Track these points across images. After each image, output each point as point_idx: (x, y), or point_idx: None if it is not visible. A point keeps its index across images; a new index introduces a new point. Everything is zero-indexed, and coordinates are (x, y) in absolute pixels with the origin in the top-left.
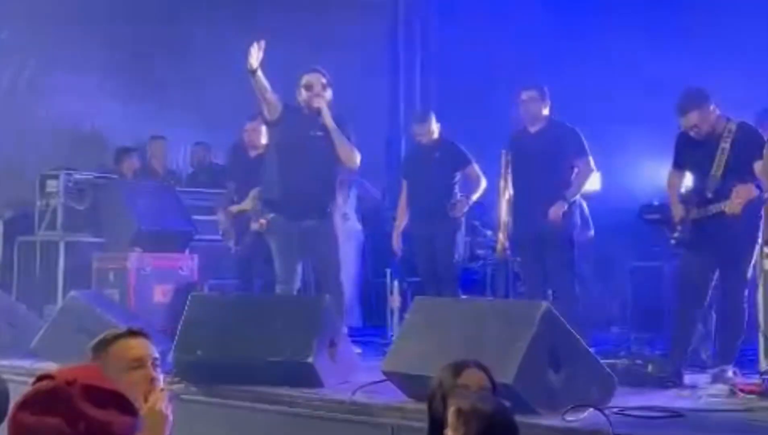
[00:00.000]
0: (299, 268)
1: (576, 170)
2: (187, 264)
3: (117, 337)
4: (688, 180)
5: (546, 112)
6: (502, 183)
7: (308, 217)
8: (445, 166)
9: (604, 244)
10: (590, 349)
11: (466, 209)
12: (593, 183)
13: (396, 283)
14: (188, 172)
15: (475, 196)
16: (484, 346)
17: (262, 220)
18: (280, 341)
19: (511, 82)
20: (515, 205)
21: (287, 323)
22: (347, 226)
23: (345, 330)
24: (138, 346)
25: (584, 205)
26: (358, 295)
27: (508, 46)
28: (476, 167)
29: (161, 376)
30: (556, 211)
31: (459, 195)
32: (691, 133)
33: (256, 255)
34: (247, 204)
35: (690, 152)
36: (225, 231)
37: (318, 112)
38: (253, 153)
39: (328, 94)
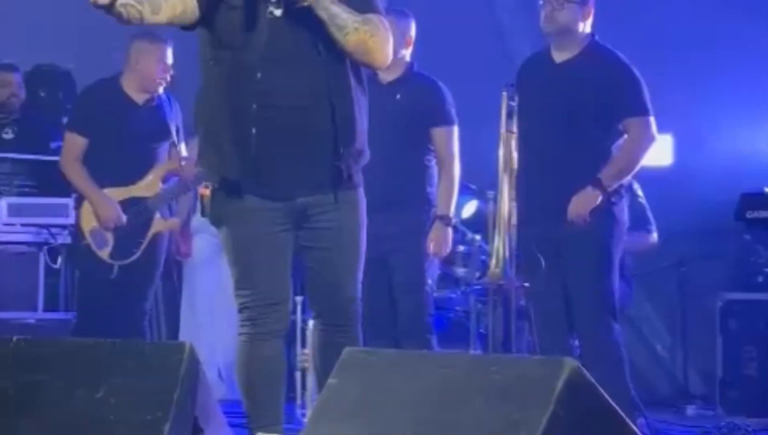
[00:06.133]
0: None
1: (626, 136)
2: None
3: None
4: None
5: (585, 27)
6: (501, 150)
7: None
8: (412, 116)
9: (677, 262)
10: None
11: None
12: (660, 155)
13: (311, 323)
14: None
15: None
16: None
17: None
18: (104, 426)
19: None
20: (522, 189)
21: (118, 392)
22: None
23: (218, 405)
24: None
25: (640, 193)
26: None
27: None
28: (455, 132)
29: None
30: (581, 204)
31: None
32: None
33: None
34: (146, 185)
35: None
36: (99, 234)
37: None
38: (142, 96)
39: None
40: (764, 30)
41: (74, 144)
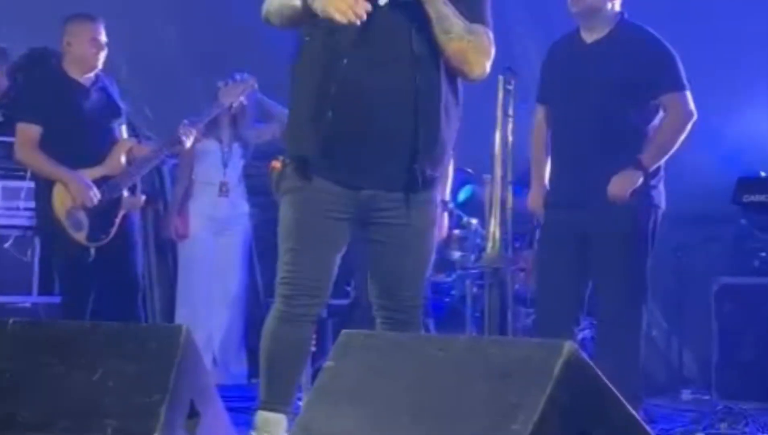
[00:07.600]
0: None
1: (662, 114)
2: None
3: None
4: None
5: (614, 5)
6: (497, 134)
7: None
8: None
9: (673, 246)
10: (647, 428)
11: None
12: None
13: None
14: None
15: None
16: (461, 418)
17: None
18: (101, 408)
19: None
20: (554, 172)
21: (115, 375)
22: (225, 204)
23: (215, 389)
24: None
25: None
26: (242, 329)
27: None
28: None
29: None
30: (622, 184)
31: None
32: None
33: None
34: (110, 164)
35: None
36: (74, 217)
37: None
38: (85, 77)
39: None
40: (764, 13)
41: (28, 133)
